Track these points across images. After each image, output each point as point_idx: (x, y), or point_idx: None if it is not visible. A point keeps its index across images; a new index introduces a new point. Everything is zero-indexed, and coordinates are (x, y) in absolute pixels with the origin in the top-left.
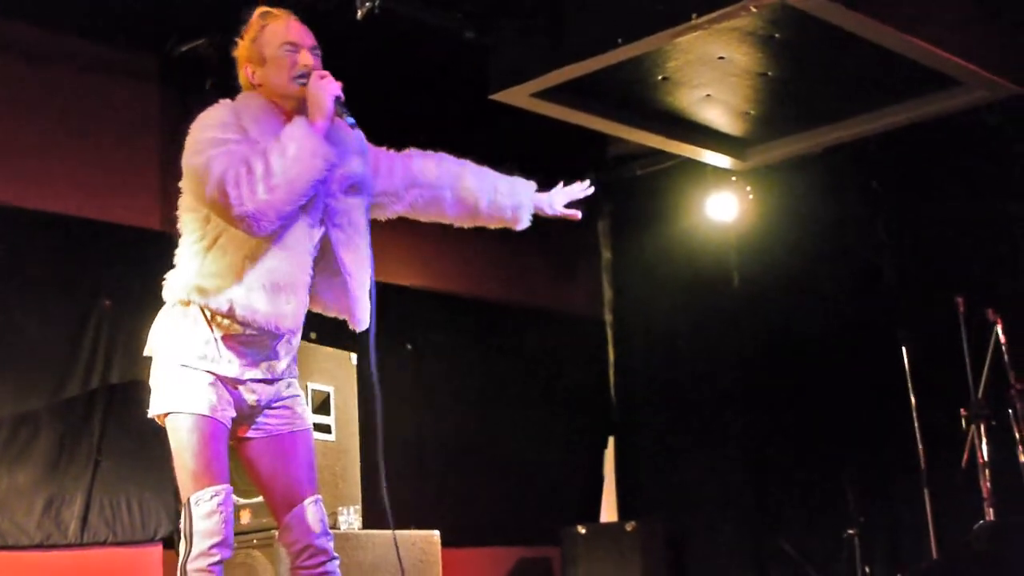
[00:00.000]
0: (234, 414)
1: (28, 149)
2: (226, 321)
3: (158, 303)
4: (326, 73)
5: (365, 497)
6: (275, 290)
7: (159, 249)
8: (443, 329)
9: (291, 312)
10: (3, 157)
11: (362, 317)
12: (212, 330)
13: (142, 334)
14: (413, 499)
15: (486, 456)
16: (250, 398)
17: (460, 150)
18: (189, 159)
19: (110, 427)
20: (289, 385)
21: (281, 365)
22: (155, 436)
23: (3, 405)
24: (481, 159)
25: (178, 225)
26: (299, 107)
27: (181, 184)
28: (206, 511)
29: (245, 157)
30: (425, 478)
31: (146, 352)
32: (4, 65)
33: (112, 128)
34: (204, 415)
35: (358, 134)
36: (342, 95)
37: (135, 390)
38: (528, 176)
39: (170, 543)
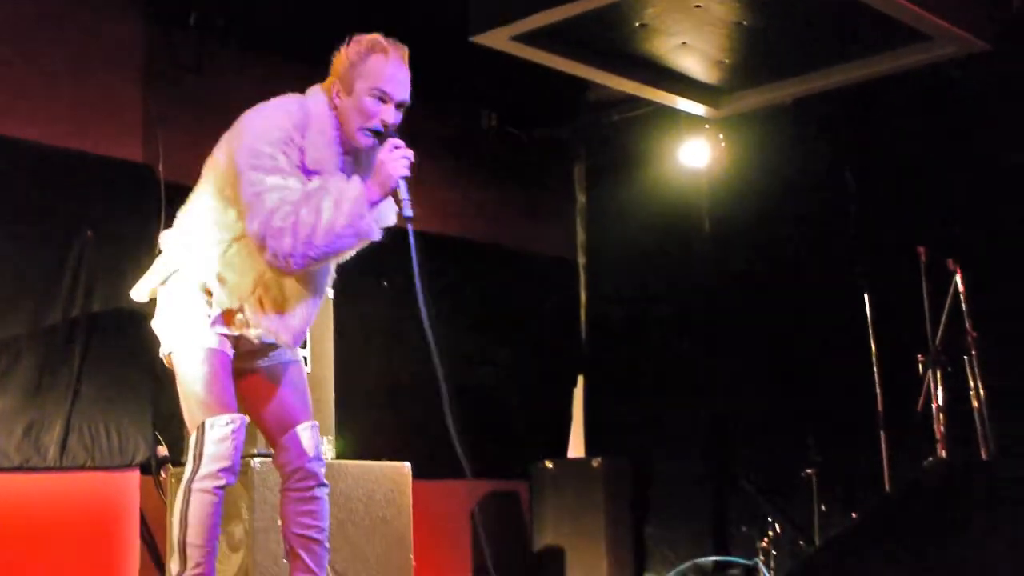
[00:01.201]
0: (234, 351)
1: (11, 80)
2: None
3: (141, 235)
4: (401, 144)
5: (338, 428)
6: (287, 306)
7: (141, 181)
8: (422, 268)
9: (296, 327)
10: None
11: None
12: (212, 308)
13: (125, 265)
14: (386, 432)
15: (458, 392)
16: (255, 342)
17: (441, 93)
18: (240, 164)
19: (90, 355)
20: None
21: None
22: (135, 364)
23: None
24: (462, 101)
25: (202, 181)
26: (356, 149)
27: (220, 157)
28: (219, 436)
29: (297, 206)
30: (399, 411)
31: (137, 294)
32: None
33: (96, 60)
34: (213, 348)
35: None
36: (410, 174)
37: (116, 319)
38: (507, 120)
39: (147, 468)
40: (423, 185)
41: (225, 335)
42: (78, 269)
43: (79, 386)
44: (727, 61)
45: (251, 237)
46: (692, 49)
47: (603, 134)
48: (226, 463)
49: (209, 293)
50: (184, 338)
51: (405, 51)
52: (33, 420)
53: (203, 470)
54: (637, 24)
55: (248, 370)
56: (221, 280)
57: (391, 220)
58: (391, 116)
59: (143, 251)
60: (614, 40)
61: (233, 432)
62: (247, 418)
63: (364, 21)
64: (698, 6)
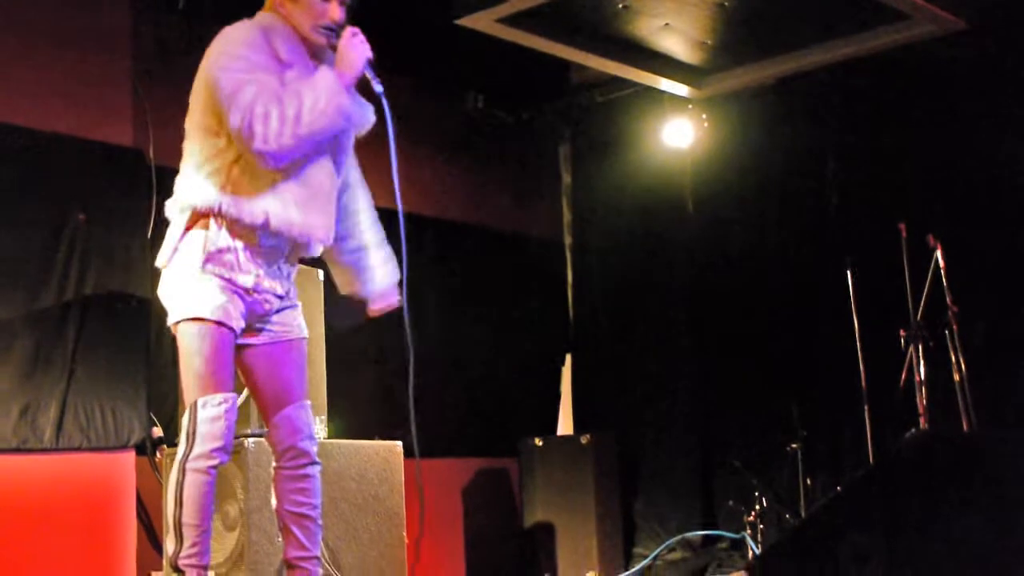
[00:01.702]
0: (244, 324)
1: (8, 66)
2: (250, 232)
3: (133, 218)
4: (358, 31)
5: (330, 408)
6: (307, 202)
7: (131, 165)
8: (408, 248)
9: (322, 224)
10: None
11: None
12: (233, 240)
13: (117, 248)
14: (377, 412)
15: (449, 371)
16: (264, 307)
17: (427, 75)
18: (215, 73)
19: (84, 337)
20: (289, 293)
21: (290, 277)
22: (129, 345)
23: None
24: (447, 83)
25: (185, 141)
26: (320, 50)
27: (194, 99)
28: (212, 415)
29: (277, 93)
30: (389, 391)
31: (158, 262)
32: None
33: (86, 45)
34: (218, 322)
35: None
36: (372, 57)
37: (109, 301)
38: (492, 99)
39: (142, 450)
40: (411, 167)
41: (231, 300)
42: (71, 252)
43: (74, 367)
44: (709, 42)
45: (234, 133)
46: (674, 30)
47: (588, 115)
48: (219, 443)
49: (208, 216)
50: (188, 310)
51: None
52: (29, 402)
53: (196, 449)
54: (620, 6)
55: (249, 345)
56: (234, 202)
57: (368, 118)
58: (337, 13)
59: (135, 233)
60: (598, 21)
61: (226, 412)
62: (238, 396)
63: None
64: None
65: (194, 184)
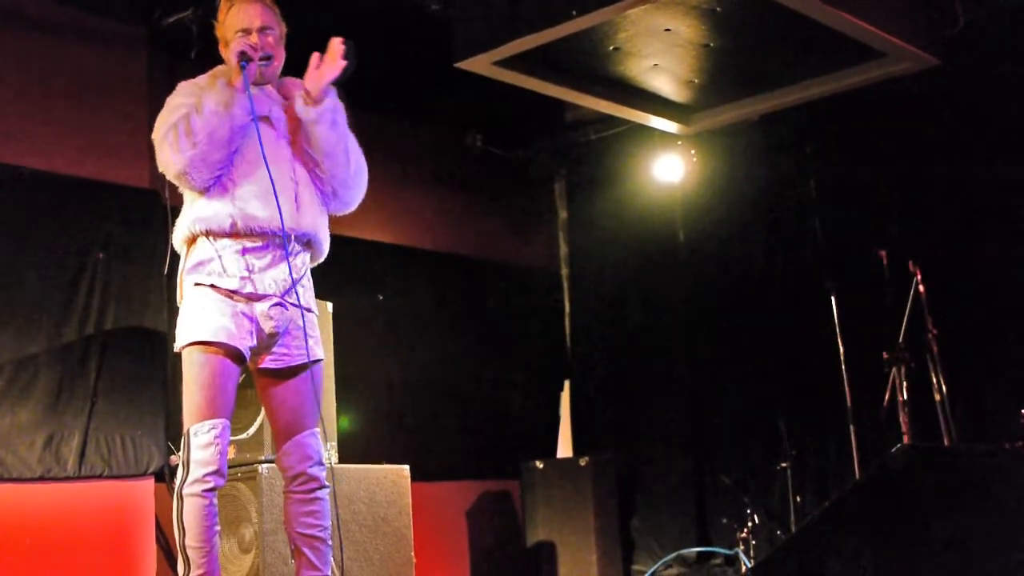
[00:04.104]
0: (254, 343)
1: (28, 112)
2: (229, 240)
3: (149, 256)
4: (250, 41)
5: (339, 433)
6: (266, 196)
7: (148, 205)
8: (412, 281)
9: (287, 212)
10: (7, 120)
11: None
12: (216, 249)
13: (134, 285)
14: (385, 437)
15: (453, 398)
16: (267, 325)
17: (427, 115)
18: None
19: (105, 370)
20: (304, 316)
21: (286, 277)
22: (147, 377)
23: (5, 350)
24: (448, 123)
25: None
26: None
27: None
28: (203, 442)
29: (177, 121)
30: (396, 418)
31: (178, 300)
32: (9, 35)
33: (106, 93)
34: (217, 350)
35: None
36: (247, 51)
37: (128, 337)
38: (490, 137)
39: (161, 477)
40: (413, 202)
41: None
42: (91, 289)
43: (96, 399)
44: (696, 81)
45: (162, 171)
46: (663, 70)
47: (581, 152)
48: (212, 467)
49: (195, 239)
50: (189, 335)
51: None
52: (53, 432)
53: (191, 475)
54: (611, 48)
55: (265, 371)
56: (202, 220)
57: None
58: (255, 38)
59: (151, 270)
60: (590, 63)
61: (216, 437)
62: (228, 422)
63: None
64: (668, 30)
65: (181, 219)
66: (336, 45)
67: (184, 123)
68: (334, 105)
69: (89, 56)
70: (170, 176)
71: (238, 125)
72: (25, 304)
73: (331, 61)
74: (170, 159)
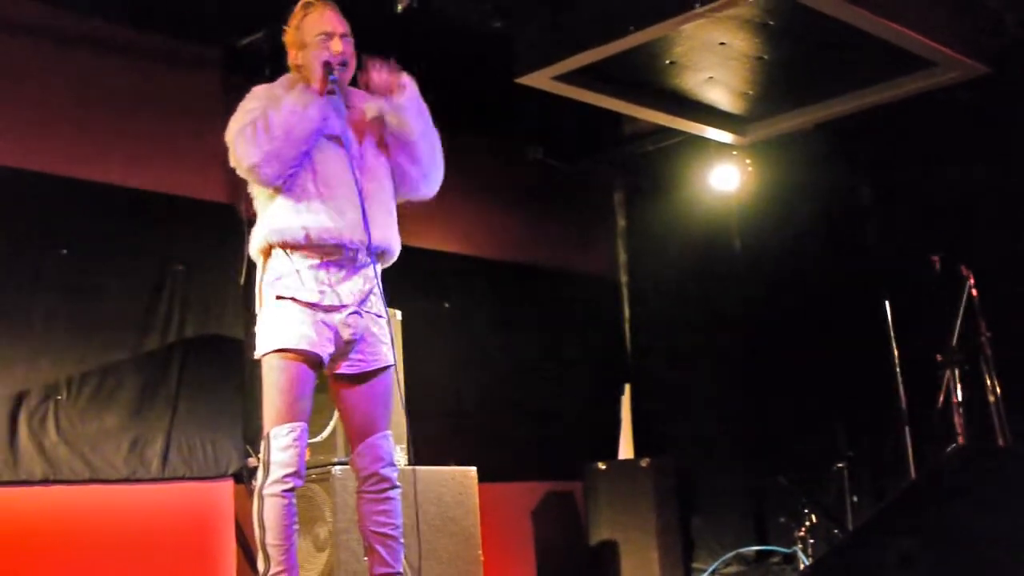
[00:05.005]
0: (332, 349)
1: (114, 133)
2: (304, 254)
3: (225, 267)
4: (332, 49)
5: (409, 436)
6: (339, 208)
7: (225, 219)
8: (477, 289)
9: (359, 225)
10: (92, 140)
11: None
12: (293, 262)
13: (212, 295)
14: (453, 440)
15: (517, 402)
16: (345, 332)
17: (489, 130)
18: (227, 131)
19: (186, 376)
20: (376, 322)
21: (363, 287)
22: (226, 383)
23: (92, 359)
24: (509, 136)
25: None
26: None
27: None
28: (283, 444)
29: (254, 118)
30: (463, 421)
31: (256, 308)
32: (94, 61)
33: (185, 113)
34: (296, 357)
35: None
36: (331, 61)
37: (206, 344)
38: (551, 150)
39: (239, 478)
40: (479, 214)
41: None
42: (172, 300)
43: (177, 404)
44: (751, 92)
45: (234, 167)
46: (718, 82)
47: (639, 163)
48: (291, 468)
49: (270, 249)
50: (269, 343)
51: (330, 3)
52: (137, 436)
53: (271, 476)
54: (667, 62)
55: (340, 376)
56: (277, 231)
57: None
58: (340, 46)
59: (228, 281)
60: (646, 77)
61: (295, 440)
62: (306, 425)
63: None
64: (722, 44)
65: (256, 230)
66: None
67: (262, 120)
68: (416, 93)
69: (169, 78)
70: (242, 171)
71: (314, 127)
72: (110, 315)
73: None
74: (245, 152)
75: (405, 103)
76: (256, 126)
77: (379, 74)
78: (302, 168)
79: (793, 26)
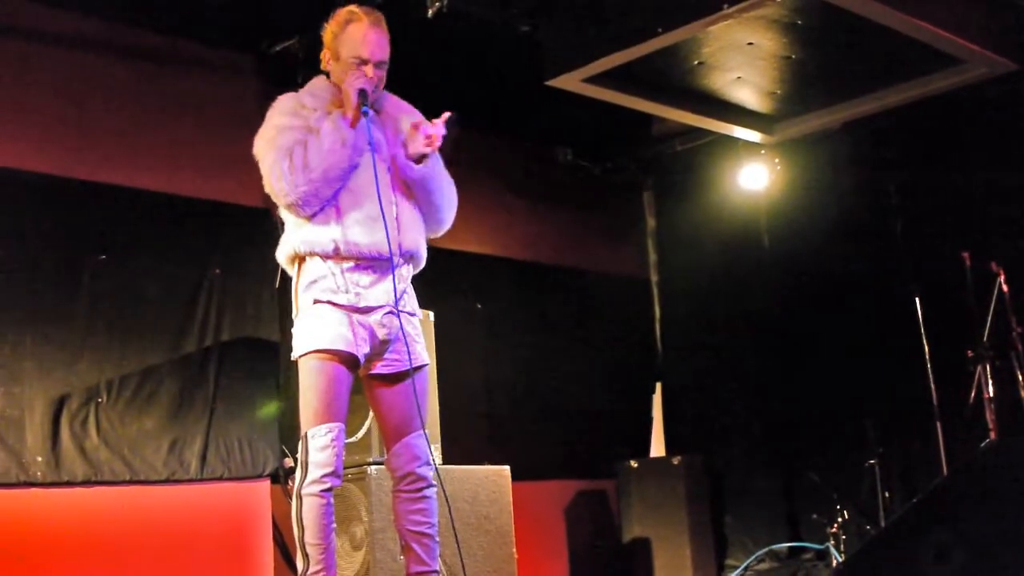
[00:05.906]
0: (368, 349)
1: (150, 138)
2: (335, 261)
3: (261, 271)
4: (365, 74)
5: (443, 435)
6: (369, 222)
7: (261, 224)
8: (509, 290)
9: (390, 235)
10: (130, 147)
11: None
12: (328, 266)
13: (248, 298)
14: (486, 439)
15: (550, 401)
16: (381, 332)
17: (519, 132)
18: (255, 143)
19: (223, 379)
20: (411, 321)
21: (397, 287)
22: (262, 384)
23: (132, 362)
24: (539, 138)
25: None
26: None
27: None
28: (321, 444)
29: (290, 148)
30: (496, 421)
31: (293, 313)
32: (132, 70)
33: (220, 119)
34: (333, 357)
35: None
36: (367, 88)
37: (243, 347)
38: (580, 151)
39: (276, 478)
40: (508, 216)
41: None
42: (209, 304)
43: (215, 406)
44: (778, 92)
45: (269, 195)
46: (746, 82)
47: (668, 163)
48: (329, 468)
49: (303, 258)
50: (306, 344)
51: (379, 16)
52: (177, 437)
53: (310, 476)
54: (696, 62)
55: (375, 376)
56: (308, 242)
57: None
58: (371, 73)
59: (263, 285)
60: (675, 78)
61: (333, 440)
62: (343, 425)
63: (450, 74)
64: (750, 44)
65: (285, 238)
66: (444, 118)
67: (300, 156)
68: (436, 162)
69: (204, 85)
70: (278, 203)
71: (351, 164)
72: (149, 318)
73: (437, 134)
74: (282, 189)
75: (422, 175)
76: (294, 163)
77: (419, 135)
78: None
79: (820, 25)
